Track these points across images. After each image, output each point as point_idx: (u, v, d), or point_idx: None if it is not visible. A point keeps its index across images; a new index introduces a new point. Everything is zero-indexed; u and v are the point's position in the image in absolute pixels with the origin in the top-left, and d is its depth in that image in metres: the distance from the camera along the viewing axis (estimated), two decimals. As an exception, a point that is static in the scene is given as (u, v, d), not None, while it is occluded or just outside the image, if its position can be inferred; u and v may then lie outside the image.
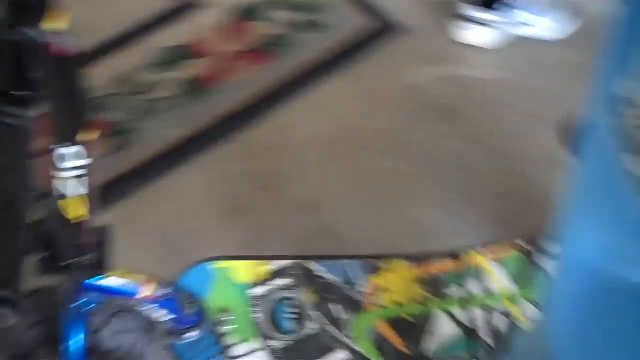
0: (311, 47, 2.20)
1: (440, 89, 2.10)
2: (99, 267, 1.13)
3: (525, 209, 1.78)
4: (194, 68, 2.13)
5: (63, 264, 1.08)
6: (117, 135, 1.98)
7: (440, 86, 2.11)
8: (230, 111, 2.05)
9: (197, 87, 2.08)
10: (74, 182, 1.01)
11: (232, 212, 1.88)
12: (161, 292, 1.25)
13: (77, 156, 0.98)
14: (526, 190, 1.81)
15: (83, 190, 1.02)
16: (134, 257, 1.76)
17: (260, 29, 2.21)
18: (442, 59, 2.19)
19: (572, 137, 1.47)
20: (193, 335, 1.36)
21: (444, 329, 1.38)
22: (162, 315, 1.27)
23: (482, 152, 1.92)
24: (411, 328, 1.38)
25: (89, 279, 1.14)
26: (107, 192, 1.88)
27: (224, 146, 2.02)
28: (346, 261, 1.47)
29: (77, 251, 1.08)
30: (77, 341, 1.21)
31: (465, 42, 2.10)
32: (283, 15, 2.30)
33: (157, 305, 1.24)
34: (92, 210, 1.08)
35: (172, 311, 1.28)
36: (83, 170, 1.00)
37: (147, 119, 2.05)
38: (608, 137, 0.50)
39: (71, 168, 0.99)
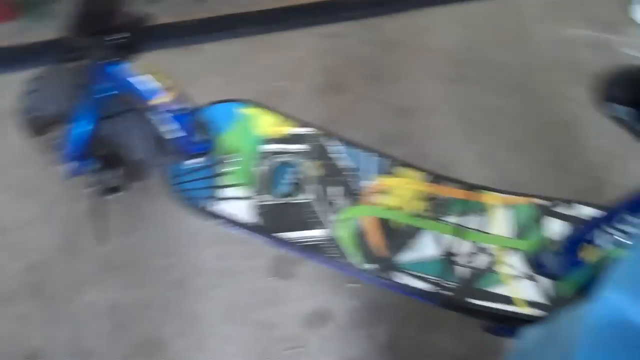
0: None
1: (590, 53, 1.98)
2: (128, 51, 1.14)
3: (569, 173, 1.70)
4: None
5: (92, 31, 1.08)
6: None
7: (591, 50, 1.99)
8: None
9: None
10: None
11: (329, 86, 1.92)
12: (179, 105, 1.27)
13: None
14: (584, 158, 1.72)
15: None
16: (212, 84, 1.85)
17: None
18: (608, 28, 2.05)
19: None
20: (195, 161, 1.40)
21: (424, 247, 1.35)
22: (172, 129, 1.31)
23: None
24: (394, 234, 1.36)
25: (114, 60, 1.15)
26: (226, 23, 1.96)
27: (351, 23, 2.03)
28: (366, 153, 1.45)
29: (107, 23, 1.09)
30: (85, 123, 1.28)
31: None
32: None
33: (170, 116, 1.27)
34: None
35: (183, 129, 1.31)
36: None
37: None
38: None
39: None
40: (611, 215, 1.00)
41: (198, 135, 1.37)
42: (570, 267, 1.19)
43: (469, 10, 2.07)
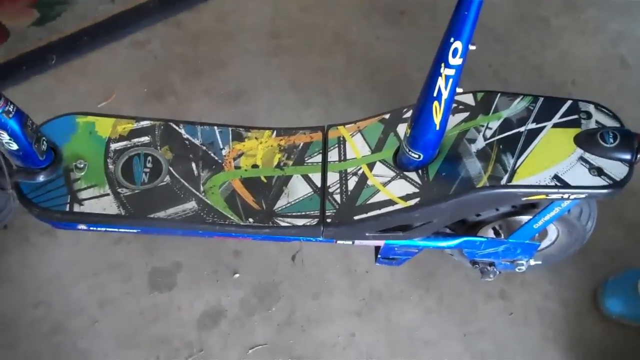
0: None
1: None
2: None
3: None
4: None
5: None
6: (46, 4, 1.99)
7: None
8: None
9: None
10: None
11: (153, 95, 1.91)
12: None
13: None
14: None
15: None
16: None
17: None
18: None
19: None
20: (41, 176, 1.33)
21: (297, 190, 1.38)
22: (4, 140, 1.23)
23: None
24: (264, 187, 1.38)
25: None
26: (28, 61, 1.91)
27: (159, 26, 2.05)
28: (213, 128, 1.46)
29: None
30: None
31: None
32: None
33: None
34: None
35: (15, 137, 1.23)
36: None
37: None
38: None
39: None
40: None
41: (38, 146, 1.30)
42: (429, 151, 1.28)
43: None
